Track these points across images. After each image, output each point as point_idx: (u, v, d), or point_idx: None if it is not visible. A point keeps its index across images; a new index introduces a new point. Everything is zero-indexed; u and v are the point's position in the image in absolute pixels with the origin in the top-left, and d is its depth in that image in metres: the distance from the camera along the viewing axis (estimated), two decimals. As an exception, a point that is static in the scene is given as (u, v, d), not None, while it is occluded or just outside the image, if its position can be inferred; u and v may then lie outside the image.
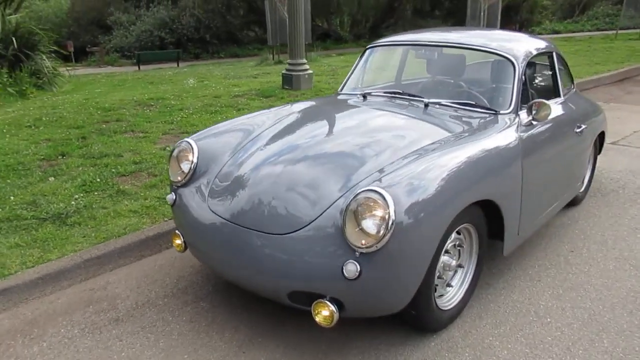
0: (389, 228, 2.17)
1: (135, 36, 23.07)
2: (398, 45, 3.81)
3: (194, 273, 3.29)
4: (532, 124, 3.12)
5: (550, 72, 3.72)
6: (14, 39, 10.80)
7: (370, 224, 2.21)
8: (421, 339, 2.64)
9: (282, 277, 2.40)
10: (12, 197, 4.17)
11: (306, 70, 9.26)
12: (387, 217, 2.17)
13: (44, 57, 11.42)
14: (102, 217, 3.86)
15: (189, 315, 2.87)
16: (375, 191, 2.23)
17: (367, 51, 3.89)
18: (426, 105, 3.25)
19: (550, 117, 3.35)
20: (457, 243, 2.70)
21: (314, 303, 2.31)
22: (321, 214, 2.40)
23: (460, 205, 2.44)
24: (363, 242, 2.21)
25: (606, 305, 2.94)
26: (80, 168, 4.88)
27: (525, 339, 2.64)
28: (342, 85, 3.88)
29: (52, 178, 4.64)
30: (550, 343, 2.61)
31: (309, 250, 2.35)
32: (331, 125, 3.13)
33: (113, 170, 4.80)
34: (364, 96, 3.54)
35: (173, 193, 2.99)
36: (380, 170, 2.50)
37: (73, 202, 4.05)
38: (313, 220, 2.40)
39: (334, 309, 2.27)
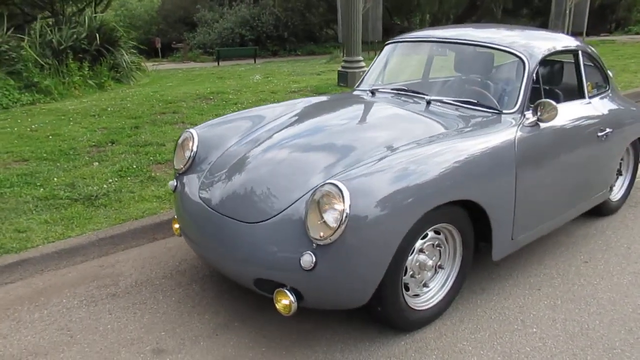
0: (342, 221, 2.18)
1: (217, 33, 24.01)
2: (412, 42, 3.75)
3: (195, 257, 3.44)
4: (537, 124, 2.97)
5: (575, 72, 3.51)
6: (97, 35, 11.62)
7: (329, 217, 2.24)
8: (393, 337, 2.61)
9: (248, 263, 2.48)
10: (55, 179, 4.54)
11: (361, 67, 9.25)
12: (342, 210, 2.19)
13: (124, 52, 12.21)
14: (127, 200, 4.12)
15: (179, 296, 3.02)
16: (334, 184, 2.25)
17: (386, 47, 3.86)
18: (428, 102, 3.19)
19: (566, 119, 3.20)
20: (436, 243, 2.64)
21: (276, 291, 2.37)
22: (289, 206, 2.45)
23: (430, 204, 2.39)
24: (321, 234, 2.24)
25: (604, 320, 2.75)
26: (123, 155, 5.22)
27: (502, 347, 2.54)
28: (359, 81, 3.88)
29: (97, 163, 5.00)
30: (527, 354, 2.50)
31: (274, 240, 2.41)
32: (325, 121, 3.16)
33: (152, 158, 5.10)
34: (373, 92, 3.53)
35: (175, 180, 3.15)
36: (353, 165, 2.51)
37: (105, 186, 4.36)
38: (281, 212, 2.45)
39: (292, 298, 2.32)
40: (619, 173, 4.02)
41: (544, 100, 2.93)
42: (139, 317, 2.82)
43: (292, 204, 2.45)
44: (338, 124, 3.06)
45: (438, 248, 2.67)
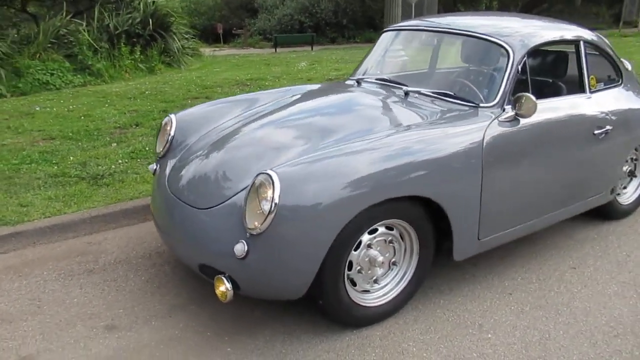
0: (271, 210, 2.17)
1: (277, 19, 24.19)
2: (405, 30, 3.62)
3: (177, 240, 3.53)
4: (517, 119, 2.81)
5: (577, 65, 3.27)
6: (150, 20, 12.02)
7: (265, 207, 2.23)
8: (339, 332, 2.57)
9: (194, 248, 2.53)
10: (71, 157, 4.78)
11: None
12: (271, 199, 2.17)
13: (175, 37, 12.56)
14: (129, 181, 4.27)
15: (149, 276, 3.11)
16: (267, 173, 2.24)
17: (382, 36, 3.77)
18: (406, 93, 3.08)
19: (555, 114, 3.01)
20: (389, 239, 2.57)
21: (215, 278, 2.39)
22: (235, 194, 2.47)
23: (372, 198, 2.32)
24: (256, 223, 2.24)
25: (570, 331, 2.59)
26: (141, 137, 5.41)
27: (447, 351, 2.45)
28: (355, 69, 3.81)
29: (115, 144, 5.22)
30: (471, 359, 2.40)
31: (216, 227, 2.44)
32: (296, 111, 3.12)
33: (166, 141, 5.24)
34: (358, 82, 3.45)
35: (155, 163, 3.24)
36: (301, 155, 2.48)
37: (114, 166, 4.54)
38: (227, 200, 2.47)
39: (228, 286, 2.34)
40: (632, 175, 3.73)
41: (522, 93, 2.76)
42: (105, 294, 2.93)
43: (238, 192, 2.46)
44: (307, 115, 3.04)
45: (391, 244, 2.60)
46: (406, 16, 15.40)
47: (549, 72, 3.44)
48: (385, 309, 2.64)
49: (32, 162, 4.68)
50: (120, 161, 4.68)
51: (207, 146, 2.93)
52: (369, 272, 2.56)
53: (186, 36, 13.60)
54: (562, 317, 2.71)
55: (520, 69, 2.92)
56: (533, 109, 2.74)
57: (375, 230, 2.50)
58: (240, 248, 2.25)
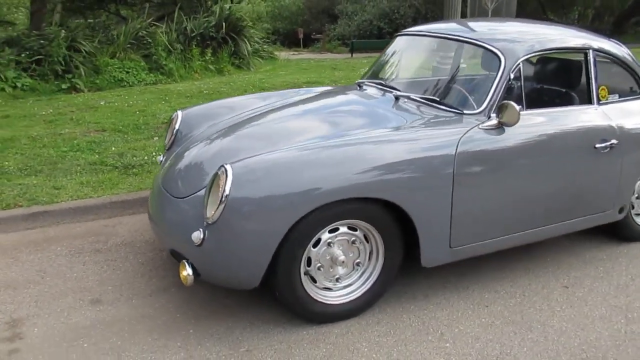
0: (222, 201, 2.29)
1: (356, 25, 24.38)
2: (410, 36, 3.61)
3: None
4: (502, 128, 2.75)
5: (585, 75, 3.12)
6: (224, 24, 12.59)
7: (218, 197, 2.36)
8: (298, 326, 2.63)
9: (167, 234, 2.71)
10: (113, 148, 5.18)
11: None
12: (223, 190, 2.30)
13: (246, 40, 13.06)
14: (156, 172, 4.56)
15: (145, 259, 3.33)
16: (224, 166, 2.36)
17: (394, 40, 3.78)
18: (396, 98, 3.10)
19: (551, 124, 2.91)
20: (352, 239, 2.60)
21: (180, 262, 2.55)
22: (205, 186, 2.61)
23: (327, 197, 2.37)
24: (212, 212, 2.37)
25: (535, 349, 2.49)
26: (181, 132, 5.72)
27: (398, 355, 2.45)
28: (364, 73, 3.85)
29: (156, 138, 5.57)
30: (420, 365, 2.38)
31: (185, 215, 2.61)
32: (288, 112, 3.23)
33: (203, 137, 5.53)
34: (360, 86, 3.50)
35: (162, 155, 3.47)
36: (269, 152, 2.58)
37: (146, 158, 4.87)
38: (198, 191, 2.63)
39: (189, 271, 2.48)
40: (655, 195, 3.48)
41: (506, 101, 2.70)
42: (102, 272, 3.18)
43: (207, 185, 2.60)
44: (292, 116, 3.14)
45: (355, 245, 2.63)
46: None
47: (560, 81, 3.30)
48: (347, 308, 2.67)
49: (79, 150, 5.12)
50: (154, 153, 5.00)
51: (197, 141, 3.10)
52: (331, 270, 2.61)
53: (258, 40, 14.08)
54: (532, 334, 2.60)
55: (512, 77, 2.85)
56: (516, 118, 2.66)
57: (337, 229, 2.55)
58: (196, 235, 2.39)
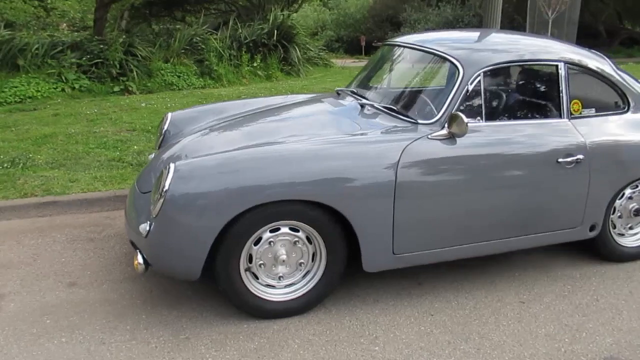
0: (162, 195, 2.49)
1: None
2: (390, 45, 3.65)
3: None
4: (453, 138, 2.77)
5: (556, 88, 3.06)
6: (276, 31, 12.98)
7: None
8: (243, 320, 2.77)
9: (128, 225, 2.92)
10: (135, 147, 5.55)
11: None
12: (164, 185, 2.49)
13: (297, 47, 13.38)
14: (165, 170, 4.86)
15: (129, 249, 3.57)
16: (169, 164, 2.56)
17: (379, 49, 3.86)
18: (362, 106, 3.18)
19: (508, 136, 2.90)
20: (294, 240, 2.72)
21: (135, 252, 2.77)
22: (164, 182, 2.81)
23: (262, 197, 2.50)
24: (155, 206, 2.57)
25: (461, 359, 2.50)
26: (202, 134, 6.03)
27: (324, 354, 2.54)
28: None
29: (178, 138, 5.89)
30: (342, 365, 2.46)
31: (141, 209, 2.82)
32: (261, 116, 3.40)
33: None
34: (338, 93, 3.60)
35: (152, 154, 3.73)
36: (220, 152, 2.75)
37: (161, 157, 5.17)
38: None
39: (140, 260, 2.69)
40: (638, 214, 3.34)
41: (455, 112, 2.72)
42: (87, 258, 3.47)
43: (166, 181, 2.81)
44: (262, 121, 3.30)
45: (298, 246, 2.73)
46: (540, 32, 14.52)
47: (531, 93, 3.26)
48: (290, 306, 2.78)
49: (105, 147, 5.52)
50: (169, 153, 5.30)
51: (174, 142, 3.32)
52: (273, 268, 2.73)
53: (311, 47, 14.37)
54: (466, 345, 2.60)
55: (472, 88, 2.86)
56: (464, 129, 2.69)
57: (278, 229, 2.67)
58: (143, 227, 2.60)
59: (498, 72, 3.19)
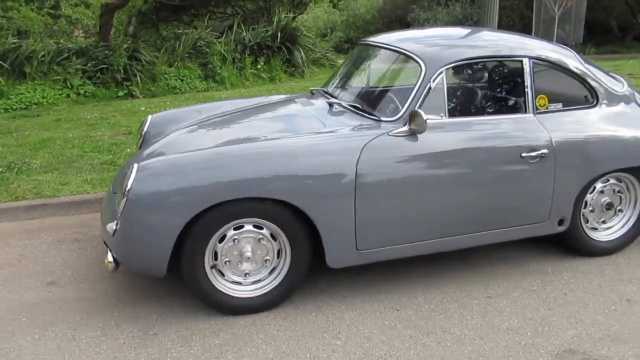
0: (125, 194, 2.56)
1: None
2: (359, 45, 3.70)
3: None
4: (414, 135, 2.81)
5: (521, 83, 3.07)
6: (279, 34, 13.07)
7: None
8: (209, 315, 2.84)
9: (101, 225, 3.01)
10: (128, 150, 5.66)
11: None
12: (126, 185, 2.57)
13: (301, 49, 13.46)
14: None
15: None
16: (133, 164, 2.63)
17: (354, 49, 3.91)
18: (330, 105, 3.23)
19: (472, 132, 2.93)
20: (259, 237, 2.77)
21: (106, 250, 2.85)
22: (133, 182, 2.90)
23: (223, 196, 2.57)
24: (120, 205, 2.65)
25: (422, 353, 2.54)
26: (196, 137, 6.12)
27: (286, 348, 2.59)
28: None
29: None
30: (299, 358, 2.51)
31: (111, 208, 2.90)
32: (234, 117, 3.45)
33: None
34: (312, 93, 3.66)
35: (135, 156, 3.83)
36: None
37: (152, 159, 5.28)
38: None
39: (110, 258, 2.77)
40: (612, 208, 3.33)
41: (415, 109, 2.76)
42: (69, 258, 3.56)
43: (136, 181, 2.89)
44: (234, 121, 3.37)
45: (263, 243, 2.79)
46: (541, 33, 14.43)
47: (497, 89, 3.28)
48: (257, 302, 2.84)
49: (99, 151, 5.65)
50: (161, 155, 5.40)
51: (155, 143, 3.40)
52: (239, 265, 2.80)
53: (313, 48, 14.44)
54: (427, 339, 2.64)
55: (434, 85, 2.89)
56: (423, 125, 2.72)
57: (242, 226, 2.73)
58: (110, 226, 2.68)
59: (462, 69, 3.21)
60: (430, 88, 2.88)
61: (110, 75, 10.21)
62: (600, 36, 21.00)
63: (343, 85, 3.47)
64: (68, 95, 9.54)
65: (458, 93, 3.13)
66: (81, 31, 15.99)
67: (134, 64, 10.52)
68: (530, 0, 23.46)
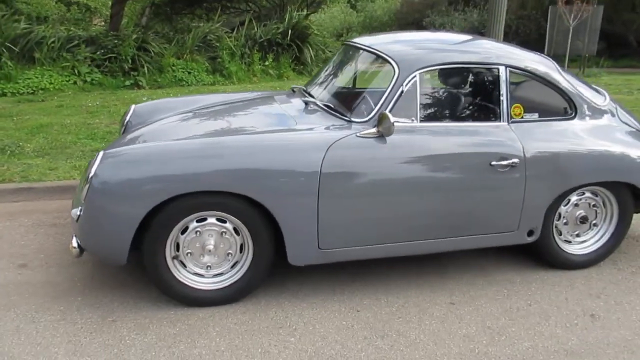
0: (87, 181, 2.59)
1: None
2: (345, 45, 3.70)
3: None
4: (382, 137, 2.80)
5: (497, 91, 3.04)
6: (290, 31, 13.10)
7: (89, 178, 2.68)
8: (170, 306, 2.86)
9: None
10: (122, 138, 5.70)
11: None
12: (89, 172, 2.60)
13: (310, 47, 13.47)
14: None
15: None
16: (99, 152, 2.66)
17: (339, 49, 3.91)
18: (306, 103, 3.24)
19: (440, 138, 2.91)
20: (222, 231, 2.79)
21: (72, 236, 2.89)
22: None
23: (182, 188, 2.58)
24: (83, 192, 2.69)
25: (373, 356, 2.53)
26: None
27: (239, 342, 2.60)
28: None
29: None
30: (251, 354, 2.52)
31: (80, 195, 2.93)
32: (214, 111, 3.48)
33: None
34: (293, 90, 3.67)
35: (116, 144, 3.86)
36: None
37: (143, 149, 5.32)
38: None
39: (74, 244, 2.80)
40: (587, 222, 3.29)
41: (383, 112, 2.76)
42: (45, 242, 3.61)
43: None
44: (210, 115, 3.38)
45: (226, 236, 2.80)
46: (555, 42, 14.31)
47: (473, 96, 3.26)
48: (218, 295, 2.86)
49: (92, 138, 5.71)
50: (152, 146, 5.45)
51: (134, 133, 3.42)
52: (201, 257, 2.81)
53: (323, 47, 14.45)
54: (381, 341, 2.63)
55: (407, 89, 2.88)
56: (390, 128, 2.72)
57: (205, 219, 2.75)
58: (74, 212, 2.72)
59: (436, 74, 3.20)
60: (402, 91, 2.87)
61: (118, 64, 10.30)
62: (618, 49, 20.69)
63: (322, 85, 3.47)
64: (75, 83, 9.64)
65: (432, 98, 3.11)
66: (101, 20, 16.15)
67: (142, 55, 10.61)
68: (546, 10, 23.26)
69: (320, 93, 3.35)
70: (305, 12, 14.93)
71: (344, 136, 2.78)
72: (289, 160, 2.70)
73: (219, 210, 2.71)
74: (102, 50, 10.35)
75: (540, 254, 3.29)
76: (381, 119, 2.74)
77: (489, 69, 3.06)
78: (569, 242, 3.33)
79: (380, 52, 3.06)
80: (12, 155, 5.11)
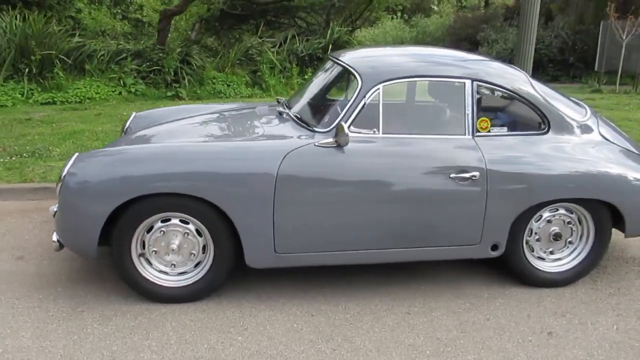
0: (60, 179, 2.83)
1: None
2: (327, 59, 3.79)
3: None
4: (340, 147, 2.89)
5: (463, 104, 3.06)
6: (330, 46, 13.32)
7: (63, 177, 2.92)
8: (137, 301, 3.04)
9: (58, 208, 3.30)
10: (142, 145, 6.03)
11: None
12: (63, 170, 2.83)
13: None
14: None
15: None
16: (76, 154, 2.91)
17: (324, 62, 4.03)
18: (280, 113, 3.37)
19: (398, 148, 2.97)
20: (185, 231, 2.95)
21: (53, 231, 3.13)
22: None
23: (145, 189, 2.76)
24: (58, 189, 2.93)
25: (302, 355, 2.60)
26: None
27: (191, 338, 2.73)
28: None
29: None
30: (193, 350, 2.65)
31: (64, 193, 3.18)
32: (207, 119, 3.68)
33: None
34: (278, 101, 3.81)
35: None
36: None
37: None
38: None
39: (54, 239, 3.04)
40: (560, 239, 3.22)
41: (340, 123, 2.85)
42: (40, 235, 3.90)
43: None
44: (194, 124, 3.57)
45: (189, 237, 2.96)
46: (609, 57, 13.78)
47: (440, 109, 3.28)
48: (181, 293, 3.01)
49: (95, 139, 6.08)
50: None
51: (129, 139, 3.66)
52: (165, 256, 2.98)
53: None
54: (325, 345, 2.69)
55: (369, 101, 2.96)
56: (346, 138, 2.80)
57: (169, 219, 2.92)
58: (52, 208, 2.96)
59: (401, 87, 3.24)
60: (365, 104, 2.95)
61: (162, 76, 10.84)
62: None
63: (300, 96, 3.59)
64: (120, 93, 10.22)
65: (395, 110, 3.16)
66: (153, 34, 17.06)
67: (185, 67, 11.11)
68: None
69: (296, 104, 3.47)
70: (348, 28, 15.12)
71: (302, 145, 2.88)
72: (247, 167, 2.83)
73: (181, 212, 2.88)
74: (148, 63, 10.93)
75: (509, 269, 3.25)
76: (338, 130, 2.82)
77: (455, 83, 3.08)
78: (542, 259, 3.27)
79: (348, 65, 3.15)
80: (40, 158, 5.53)
